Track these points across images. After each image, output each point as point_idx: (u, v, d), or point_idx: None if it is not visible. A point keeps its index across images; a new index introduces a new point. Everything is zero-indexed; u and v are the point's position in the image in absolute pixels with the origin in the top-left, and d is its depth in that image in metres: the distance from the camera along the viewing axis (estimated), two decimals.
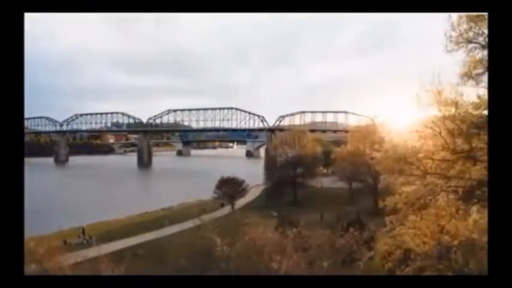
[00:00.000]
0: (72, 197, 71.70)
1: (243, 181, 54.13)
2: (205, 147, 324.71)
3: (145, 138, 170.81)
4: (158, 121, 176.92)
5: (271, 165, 65.09)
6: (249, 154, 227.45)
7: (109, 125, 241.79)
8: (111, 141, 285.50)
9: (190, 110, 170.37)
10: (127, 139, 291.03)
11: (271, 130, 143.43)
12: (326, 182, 63.91)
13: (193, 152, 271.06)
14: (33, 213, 40.58)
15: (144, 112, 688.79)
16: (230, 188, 49.08)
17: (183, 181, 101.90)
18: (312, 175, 55.92)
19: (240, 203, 58.33)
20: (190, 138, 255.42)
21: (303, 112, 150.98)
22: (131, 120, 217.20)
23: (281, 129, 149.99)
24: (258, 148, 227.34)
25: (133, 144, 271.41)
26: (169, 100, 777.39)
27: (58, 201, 67.42)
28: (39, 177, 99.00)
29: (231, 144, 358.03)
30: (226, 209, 51.31)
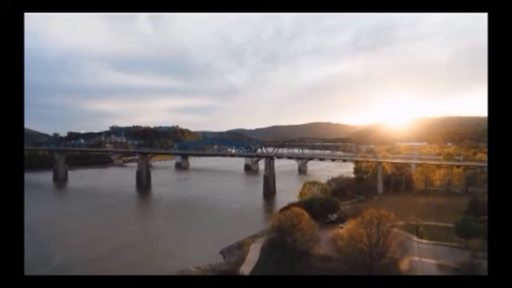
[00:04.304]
0: None
1: None
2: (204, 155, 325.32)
3: (144, 160, 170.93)
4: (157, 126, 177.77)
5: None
6: (247, 168, 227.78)
7: (107, 128, 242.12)
8: (110, 149, 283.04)
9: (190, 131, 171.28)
10: (126, 148, 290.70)
11: (270, 157, 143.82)
12: (325, 241, 63.64)
13: (191, 161, 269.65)
14: None
15: (142, 113, 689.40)
16: None
17: (184, 222, 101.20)
18: (309, 254, 56.04)
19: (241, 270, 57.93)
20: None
21: (302, 139, 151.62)
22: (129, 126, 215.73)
23: (279, 157, 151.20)
24: (256, 162, 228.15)
25: (132, 153, 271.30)
26: (168, 100, 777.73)
27: None
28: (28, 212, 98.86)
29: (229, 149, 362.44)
30: None
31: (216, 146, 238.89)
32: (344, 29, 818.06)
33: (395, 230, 49.34)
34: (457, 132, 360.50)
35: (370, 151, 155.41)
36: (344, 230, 56.22)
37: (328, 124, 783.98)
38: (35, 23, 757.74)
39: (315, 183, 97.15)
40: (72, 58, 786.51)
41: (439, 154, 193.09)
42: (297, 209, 58.94)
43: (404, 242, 60.88)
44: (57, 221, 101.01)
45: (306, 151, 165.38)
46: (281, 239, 54.80)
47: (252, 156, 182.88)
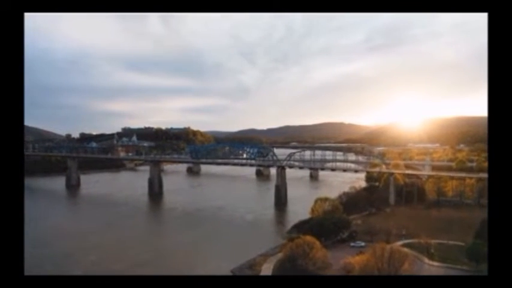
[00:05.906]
0: None
1: None
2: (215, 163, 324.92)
3: (156, 167, 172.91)
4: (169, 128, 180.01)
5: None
6: (259, 173, 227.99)
7: (119, 129, 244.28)
8: (122, 155, 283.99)
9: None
10: (137, 151, 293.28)
11: (282, 167, 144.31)
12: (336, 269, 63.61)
13: (202, 168, 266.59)
14: None
15: (154, 113, 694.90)
16: None
17: (197, 235, 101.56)
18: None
19: None
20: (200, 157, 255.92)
21: (313, 147, 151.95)
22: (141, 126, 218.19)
23: (291, 166, 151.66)
24: (268, 167, 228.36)
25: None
26: (179, 100, 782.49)
27: None
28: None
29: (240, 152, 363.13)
30: None
31: (227, 148, 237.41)
32: (356, 28, 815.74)
33: (406, 265, 49.37)
34: (469, 133, 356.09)
35: (381, 155, 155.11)
36: (355, 260, 56.65)
37: (341, 124, 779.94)
38: (46, 22, 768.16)
39: (326, 199, 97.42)
40: (84, 58, 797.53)
41: (451, 160, 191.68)
42: (308, 238, 59.59)
43: (415, 269, 61.22)
44: (71, 234, 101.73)
45: (318, 152, 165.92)
46: (293, 267, 55.60)
47: (263, 166, 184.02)
